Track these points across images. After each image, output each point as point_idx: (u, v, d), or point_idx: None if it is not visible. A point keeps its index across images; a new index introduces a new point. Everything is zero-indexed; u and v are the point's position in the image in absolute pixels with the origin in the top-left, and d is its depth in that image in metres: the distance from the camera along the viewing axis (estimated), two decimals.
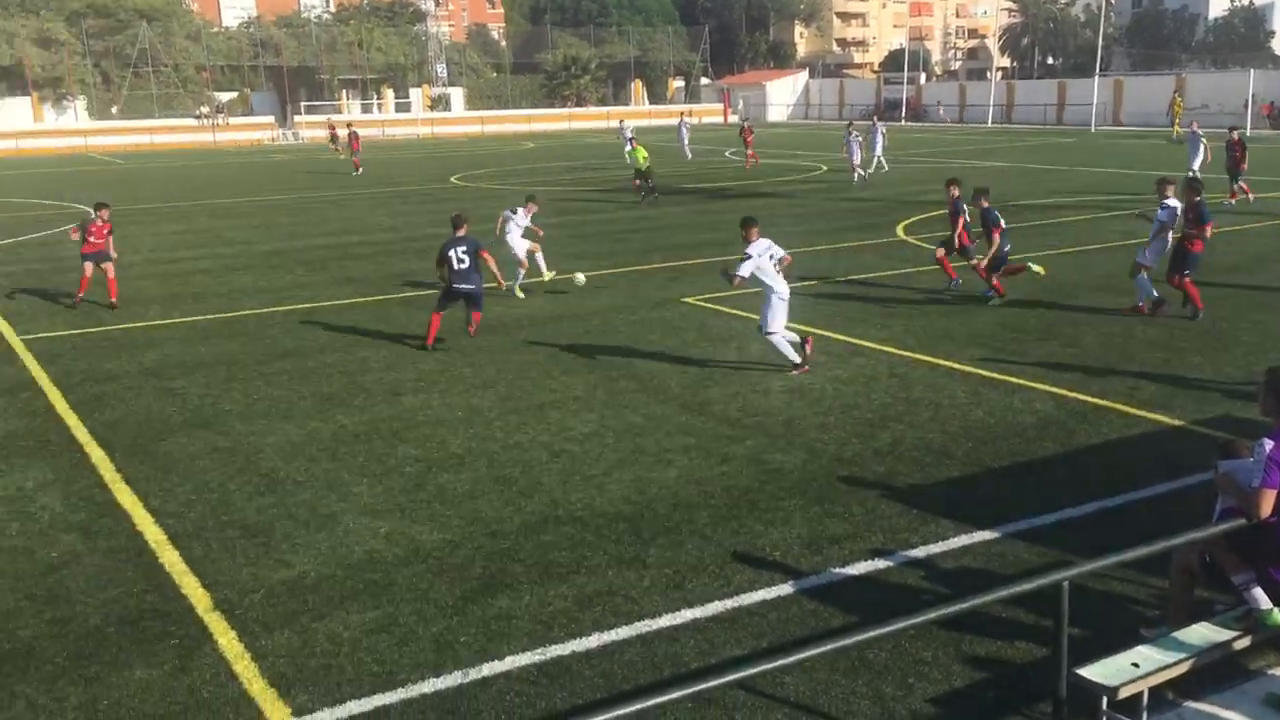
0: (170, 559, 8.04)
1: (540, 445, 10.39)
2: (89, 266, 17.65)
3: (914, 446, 10.11)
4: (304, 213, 31.13)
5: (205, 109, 78.47)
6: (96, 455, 10.38)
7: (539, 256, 18.02)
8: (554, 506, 8.88)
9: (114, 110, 79.98)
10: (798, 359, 12.64)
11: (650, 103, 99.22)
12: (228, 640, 6.85)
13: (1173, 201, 15.22)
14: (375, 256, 22.43)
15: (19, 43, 77.06)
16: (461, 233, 14.39)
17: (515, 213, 17.94)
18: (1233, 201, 26.70)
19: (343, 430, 10.99)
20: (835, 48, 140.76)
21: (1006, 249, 16.45)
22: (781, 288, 12.54)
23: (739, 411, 11.29)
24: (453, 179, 41.14)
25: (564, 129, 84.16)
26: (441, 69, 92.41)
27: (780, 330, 12.59)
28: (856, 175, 35.53)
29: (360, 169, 43.93)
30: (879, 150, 38.65)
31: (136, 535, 8.50)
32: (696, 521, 8.51)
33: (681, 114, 61.10)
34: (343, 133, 48.15)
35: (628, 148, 42.06)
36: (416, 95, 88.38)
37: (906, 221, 25.50)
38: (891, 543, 8.05)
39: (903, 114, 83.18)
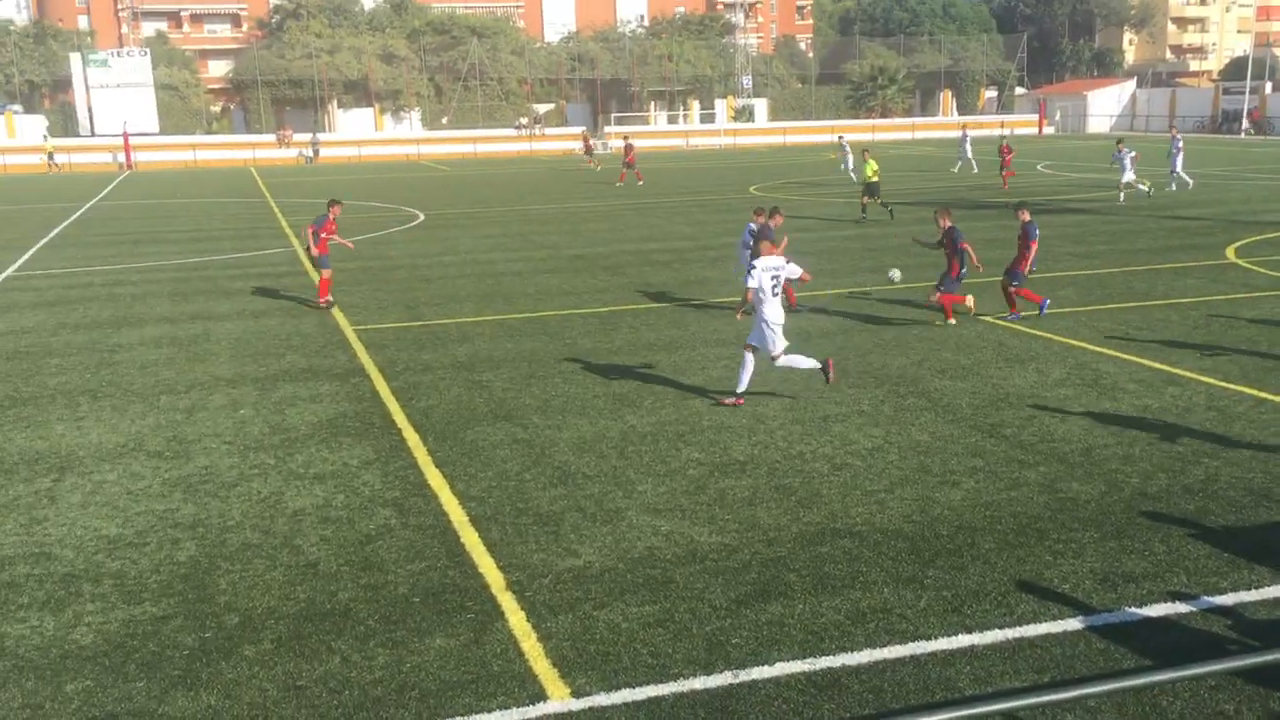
0: (471, 539, 8.64)
1: (822, 457, 10.38)
2: (325, 272, 18.64)
3: (1230, 485, 9.35)
4: (609, 219, 32.39)
5: (524, 120, 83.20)
6: (412, 439, 11.28)
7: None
8: (832, 519, 8.85)
9: (444, 121, 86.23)
10: (814, 363, 12.16)
11: (959, 114, 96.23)
12: (517, 619, 7.28)
13: None
14: (672, 264, 23.03)
15: (366, 58, 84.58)
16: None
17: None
18: None
19: (631, 430, 11.40)
20: (1169, 54, 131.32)
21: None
22: (771, 312, 11.94)
23: (1034, 436, 10.82)
24: (751, 189, 41.56)
25: (867, 139, 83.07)
26: (747, 80, 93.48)
27: (784, 354, 12.10)
28: (1122, 195, 33.18)
29: (641, 180, 44.75)
30: (1178, 166, 35.64)
31: (443, 515, 9.18)
32: (980, 546, 8.25)
33: (963, 125, 58.18)
34: (616, 144, 49.08)
35: (847, 163, 41.03)
36: (721, 106, 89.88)
37: (1239, 243, 23.50)
38: (1196, 586, 7.50)
39: (1243, 127, 76.53)
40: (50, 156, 67.48)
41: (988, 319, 16.38)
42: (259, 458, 10.81)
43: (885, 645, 6.81)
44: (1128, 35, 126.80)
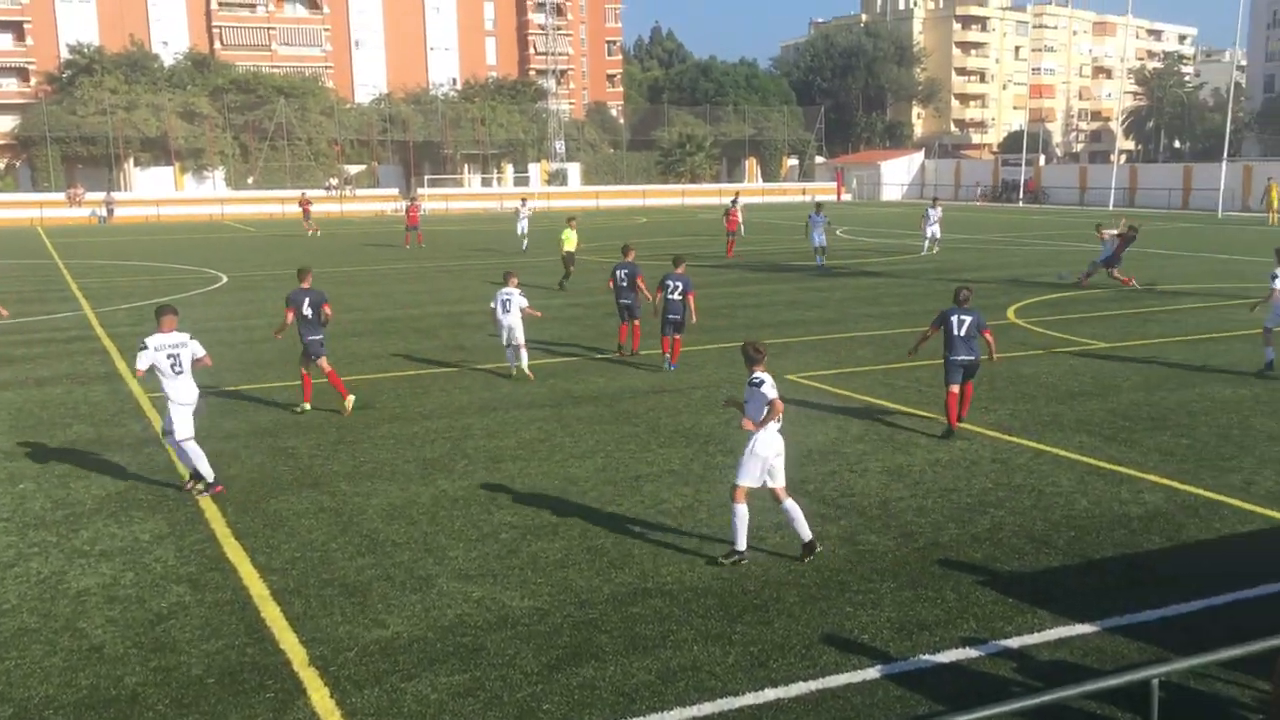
0: (272, 614, 8.31)
1: (634, 517, 10.48)
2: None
3: (1014, 534, 9.91)
4: (422, 281, 32.07)
5: (334, 180, 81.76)
6: (210, 510, 10.81)
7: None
8: (644, 579, 8.93)
9: (250, 181, 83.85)
10: (210, 475, 11.20)
11: (764, 180, 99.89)
12: (320, 696, 7.04)
13: None
14: (486, 325, 22.88)
15: (165, 115, 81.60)
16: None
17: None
18: None
19: (443, 495, 11.25)
20: (953, 128, 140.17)
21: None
22: (179, 391, 11.07)
23: (835, 491, 11.22)
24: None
25: (677, 204, 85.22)
26: (560, 145, 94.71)
27: (187, 439, 11.10)
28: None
29: (422, 243, 43.93)
30: (933, 232, 38.22)
31: (242, 589, 8.81)
32: (785, 600, 8.47)
33: (736, 194, 57.88)
34: (433, 205, 48.98)
35: (522, 227, 41.99)
36: (535, 170, 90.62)
37: (1018, 305, 25.12)
38: (985, 631, 7.89)
39: (1020, 196, 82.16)
40: None
41: (791, 378, 16.93)
42: (39, 535, 10.14)
43: (695, 703, 6.89)
44: (916, 109, 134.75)
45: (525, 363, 17.17)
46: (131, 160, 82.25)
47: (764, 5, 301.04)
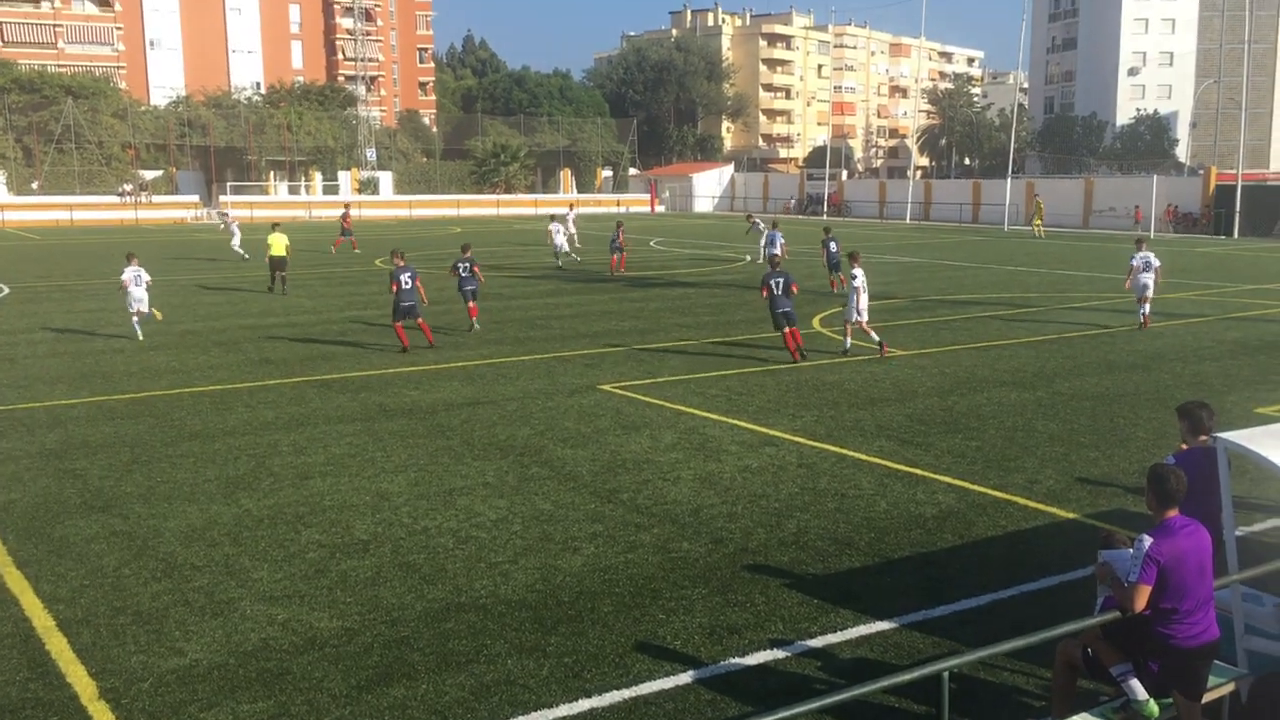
0: (58, 646, 7.83)
1: (447, 531, 10.35)
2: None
3: (819, 536, 10.25)
4: (226, 293, 30.87)
5: (128, 186, 77.68)
6: None
7: None
8: (457, 594, 8.83)
9: (34, 186, 78.85)
10: None
11: (578, 191, 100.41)
12: None
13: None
14: (294, 339, 22.27)
15: None
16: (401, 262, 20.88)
17: None
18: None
19: (246, 514, 10.84)
20: (761, 143, 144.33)
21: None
22: None
23: (648, 500, 11.36)
24: (378, 262, 41.10)
25: (492, 214, 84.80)
26: (371, 153, 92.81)
27: None
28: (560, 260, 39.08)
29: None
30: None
31: (24, 621, 8.27)
32: (599, 610, 8.52)
33: (570, 204, 60.18)
34: (235, 214, 47.77)
35: (237, 241, 42.50)
36: (345, 178, 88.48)
37: (823, 314, 26.05)
38: (791, 632, 8.14)
39: (825, 209, 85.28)
40: None
41: (605, 388, 17.08)
42: None
43: (509, 717, 6.85)
44: (726, 123, 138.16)
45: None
46: None
47: (577, 17, 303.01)
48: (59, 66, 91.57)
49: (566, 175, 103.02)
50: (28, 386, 17.25)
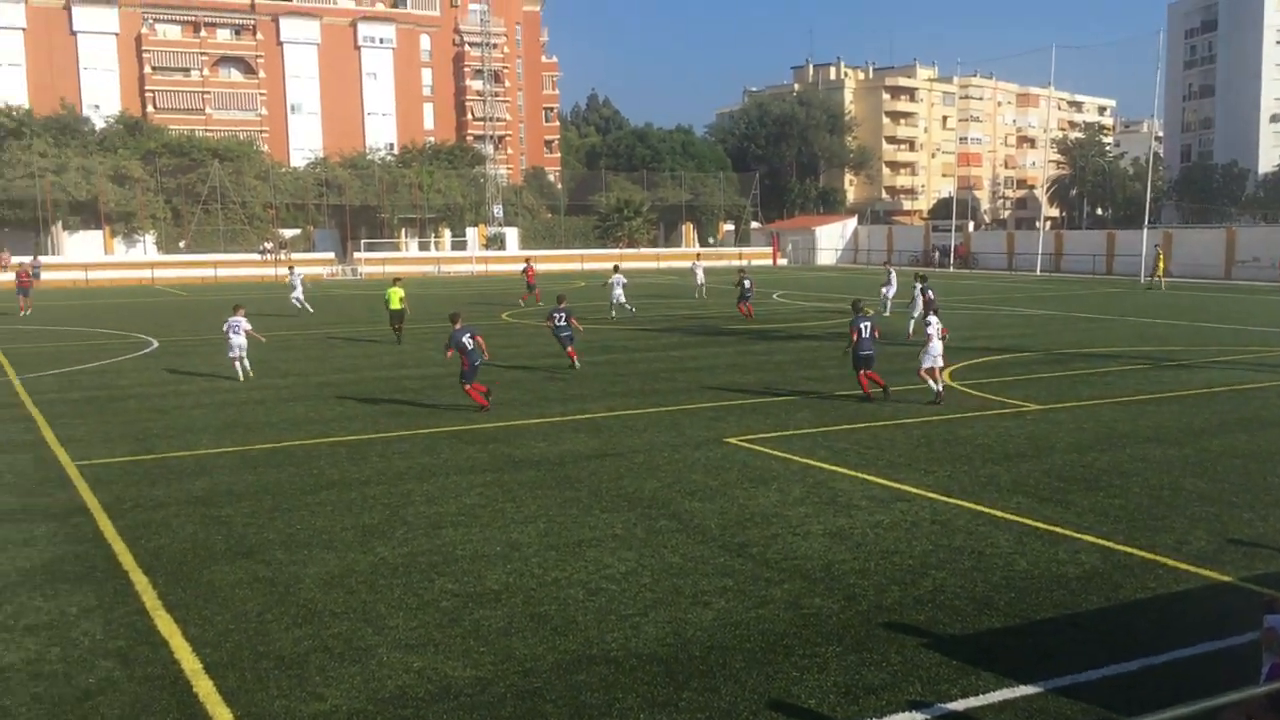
0: (205, 689, 8.07)
1: (577, 583, 10.38)
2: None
3: (955, 595, 9.97)
4: (360, 345, 31.81)
5: (269, 244, 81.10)
6: (140, 582, 10.51)
7: None
8: (588, 645, 8.83)
9: (181, 245, 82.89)
10: None
11: (700, 244, 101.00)
12: None
13: None
14: (425, 390, 22.79)
15: (96, 178, 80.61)
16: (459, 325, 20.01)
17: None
18: None
19: (382, 562, 11.06)
20: (885, 195, 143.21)
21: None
22: None
23: (778, 554, 11.22)
24: (504, 316, 41.89)
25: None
26: (498, 209, 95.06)
27: None
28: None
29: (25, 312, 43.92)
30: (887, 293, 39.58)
31: (173, 664, 8.55)
32: (731, 665, 8.41)
33: (697, 255, 62.22)
34: (369, 270, 49.46)
35: (297, 293, 43.77)
36: (473, 234, 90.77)
37: (953, 368, 25.53)
38: (930, 694, 7.89)
39: (950, 261, 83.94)
40: None
41: (732, 441, 16.99)
42: None
43: None
44: (848, 176, 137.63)
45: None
46: (60, 224, 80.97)
47: (699, 74, 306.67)
48: (206, 131, 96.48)
49: (689, 229, 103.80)
50: (177, 436, 17.99)
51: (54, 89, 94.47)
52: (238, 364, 24.56)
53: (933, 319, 20.95)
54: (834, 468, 15.16)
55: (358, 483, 14.57)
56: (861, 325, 20.39)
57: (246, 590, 10.26)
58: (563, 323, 24.91)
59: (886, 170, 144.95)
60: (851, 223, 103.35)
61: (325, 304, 50.33)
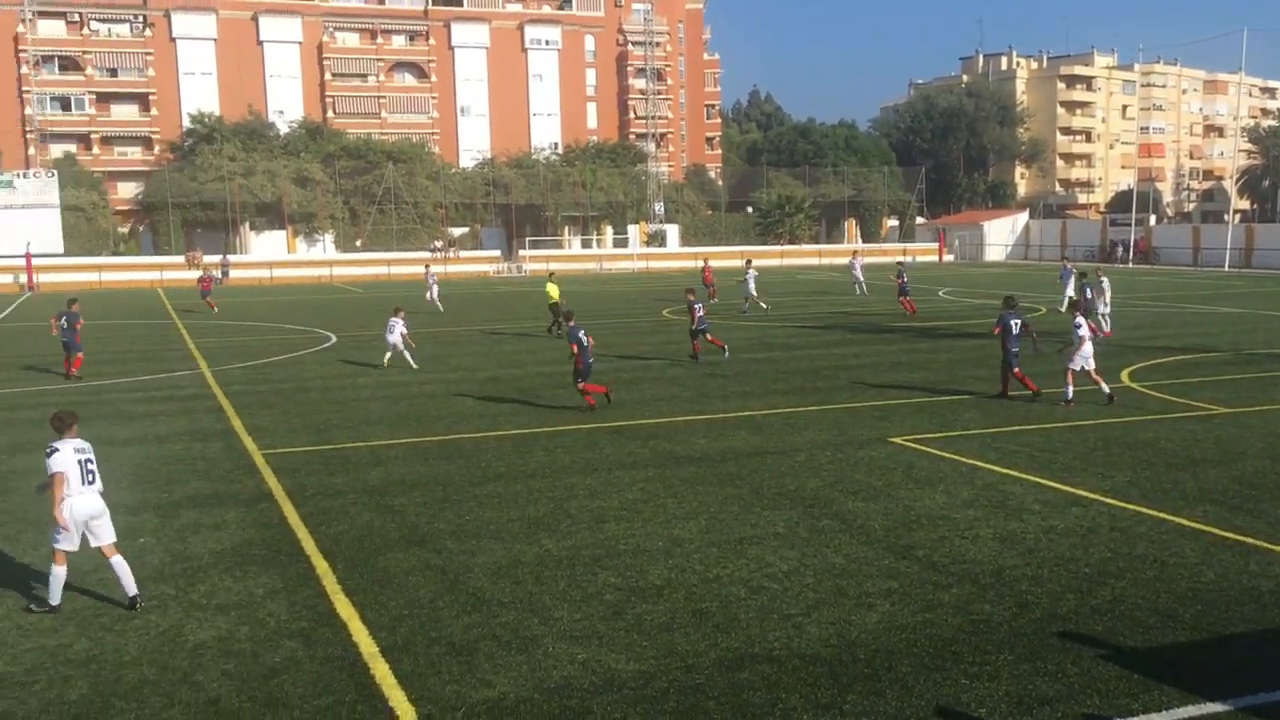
0: (381, 671, 8.38)
1: (739, 580, 10.35)
2: None
3: (1136, 606, 9.52)
4: (523, 341, 32.49)
5: (439, 243, 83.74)
6: (321, 567, 10.99)
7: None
8: (750, 644, 8.79)
9: (358, 243, 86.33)
10: (56, 601, 9.83)
11: (864, 240, 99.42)
12: None
13: None
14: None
15: (280, 181, 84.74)
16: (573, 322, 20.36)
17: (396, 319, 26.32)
18: None
19: (547, 554, 11.27)
20: (1059, 188, 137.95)
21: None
22: (81, 504, 9.72)
23: (946, 557, 10.94)
24: (665, 313, 42.13)
25: (776, 265, 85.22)
26: (659, 207, 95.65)
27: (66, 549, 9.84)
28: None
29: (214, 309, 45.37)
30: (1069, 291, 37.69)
31: (352, 646, 8.91)
32: (898, 670, 8.25)
33: (854, 252, 61.24)
34: (533, 267, 50.35)
35: (431, 292, 44.65)
36: (634, 231, 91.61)
37: (1132, 368, 24.41)
38: (1109, 708, 7.57)
39: (1130, 257, 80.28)
40: None
41: (896, 441, 16.67)
42: (159, 588, 10.41)
43: None
44: (1019, 169, 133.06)
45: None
46: (247, 224, 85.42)
47: (863, 68, 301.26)
48: (381, 134, 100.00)
49: (851, 225, 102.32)
50: (354, 428, 18.73)
51: (242, 96, 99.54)
52: (388, 354, 26.53)
53: (1081, 320, 20.04)
54: (1005, 470, 14.70)
55: (523, 475, 14.88)
56: (1011, 322, 20.00)
57: (419, 577, 10.61)
58: (701, 313, 26.34)
59: (1060, 162, 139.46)
60: (1022, 217, 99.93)
61: (491, 300, 51.62)
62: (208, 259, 74.02)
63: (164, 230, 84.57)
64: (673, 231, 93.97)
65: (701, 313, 26.62)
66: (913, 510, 12.74)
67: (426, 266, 51.05)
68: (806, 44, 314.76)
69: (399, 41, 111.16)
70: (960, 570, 10.55)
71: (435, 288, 45.46)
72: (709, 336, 26.67)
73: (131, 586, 9.86)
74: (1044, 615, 9.34)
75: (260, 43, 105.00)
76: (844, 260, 53.64)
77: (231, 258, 75.65)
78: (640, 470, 15.06)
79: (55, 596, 9.78)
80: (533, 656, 8.61)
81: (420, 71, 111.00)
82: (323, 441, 17.57)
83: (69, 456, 9.71)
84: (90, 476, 9.84)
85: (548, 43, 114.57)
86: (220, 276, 71.04)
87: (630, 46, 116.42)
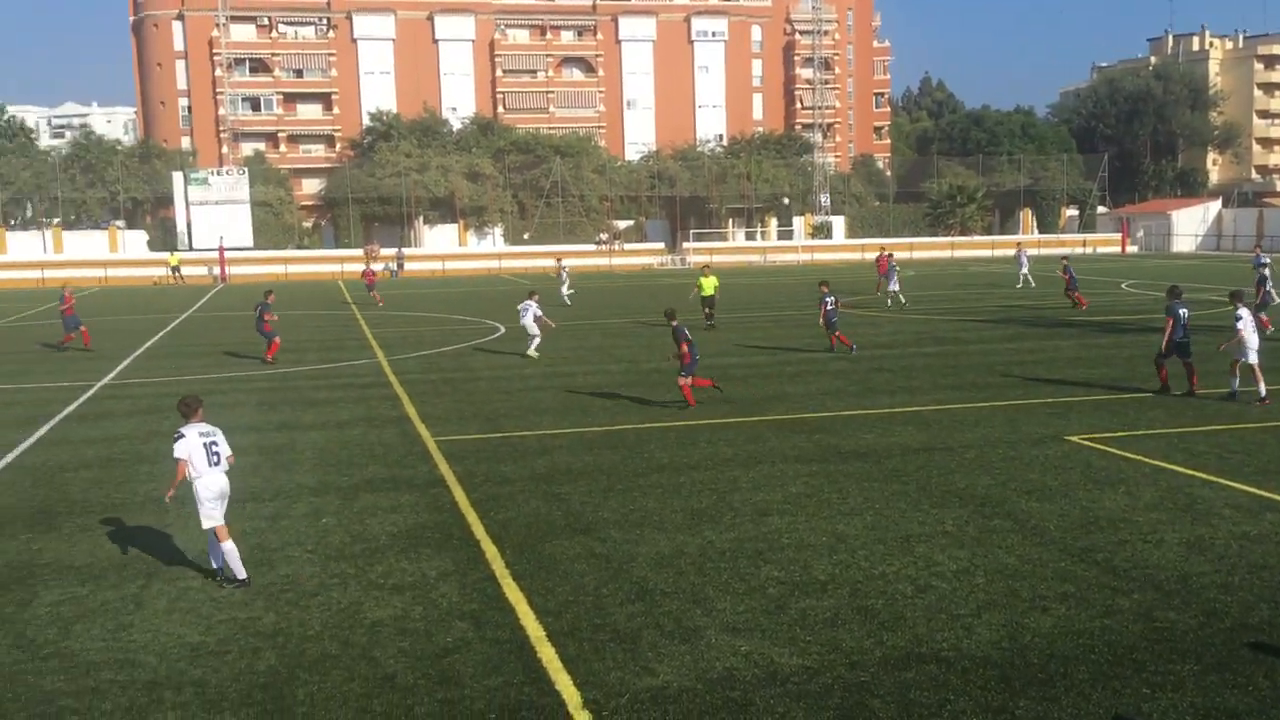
0: (548, 655, 8.55)
1: (905, 578, 10.15)
2: None
3: None
4: (697, 334, 32.52)
5: (604, 235, 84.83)
6: (490, 551, 11.29)
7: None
8: (917, 643, 8.61)
9: (525, 236, 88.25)
10: (242, 574, 10.38)
11: (1040, 231, 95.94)
12: None
13: None
14: (750, 379, 23.03)
15: (452, 176, 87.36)
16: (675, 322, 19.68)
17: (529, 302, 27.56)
18: None
19: (710, 546, 11.29)
20: (1254, 174, 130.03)
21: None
22: (210, 481, 10.38)
23: (1126, 562, 10.48)
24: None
25: (945, 257, 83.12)
26: (825, 198, 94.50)
27: (213, 525, 10.43)
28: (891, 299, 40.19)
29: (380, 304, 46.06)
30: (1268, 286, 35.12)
31: (519, 629, 9.12)
32: (1073, 676, 7.95)
33: (1019, 244, 59.79)
34: (698, 259, 50.31)
35: (565, 288, 44.94)
36: (799, 223, 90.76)
37: None
38: None
39: None
40: (176, 270, 70.42)
41: (1073, 439, 16.04)
42: (339, 567, 10.89)
43: None
44: (1211, 156, 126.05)
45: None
46: (421, 218, 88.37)
47: (1042, 51, 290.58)
48: (549, 129, 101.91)
49: (1027, 215, 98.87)
50: (521, 416, 19.17)
51: (418, 94, 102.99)
52: (534, 342, 27.41)
53: (1243, 312, 18.83)
54: (1192, 472, 13.97)
55: (686, 467, 14.94)
56: (1180, 312, 19.38)
57: (584, 565, 10.78)
58: (831, 307, 26.25)
59: (1257, 148, 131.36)
60: (1214, 205, 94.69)
61: (655, 293, 51.97)
62: (384, 251, 76.92)
63: (344, 225, 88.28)
64: (838, 223, 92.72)
65: (832, 306, 26.41)
66: (1091, 511, 12.24)
67: (558, 260, 52.04)
68: (981, 28, 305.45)
69: (568, 37, 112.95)
70: (1142, 575, 10.09)
71: (566, 281, 46.17)
72: (838, 333, 26.56)
73: (220, 562, 10.52)
74: (1234, 625, 8.84)
75: (435, 41, 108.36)
76: (1022, 252, 51.98)
77: (406, 251, 78.41)
78: (804, 464, 14.93)
79: (239, 570, 10.37)
80: (695, 647, 8.64)
81: (588, 66, 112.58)
82: (492, 430, 18.04)
83: (194, 441, 10.47)
84: (215, 458, 10.54)
85: (714, 34, 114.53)
86: (396, 269, 73.79)
87: (798, 36, 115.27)
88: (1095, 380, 21.64)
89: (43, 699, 7.98)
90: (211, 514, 10.41)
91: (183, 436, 10.43)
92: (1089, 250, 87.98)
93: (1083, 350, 26.66)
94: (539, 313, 27.56)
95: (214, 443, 10.56)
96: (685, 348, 19.18)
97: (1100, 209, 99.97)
